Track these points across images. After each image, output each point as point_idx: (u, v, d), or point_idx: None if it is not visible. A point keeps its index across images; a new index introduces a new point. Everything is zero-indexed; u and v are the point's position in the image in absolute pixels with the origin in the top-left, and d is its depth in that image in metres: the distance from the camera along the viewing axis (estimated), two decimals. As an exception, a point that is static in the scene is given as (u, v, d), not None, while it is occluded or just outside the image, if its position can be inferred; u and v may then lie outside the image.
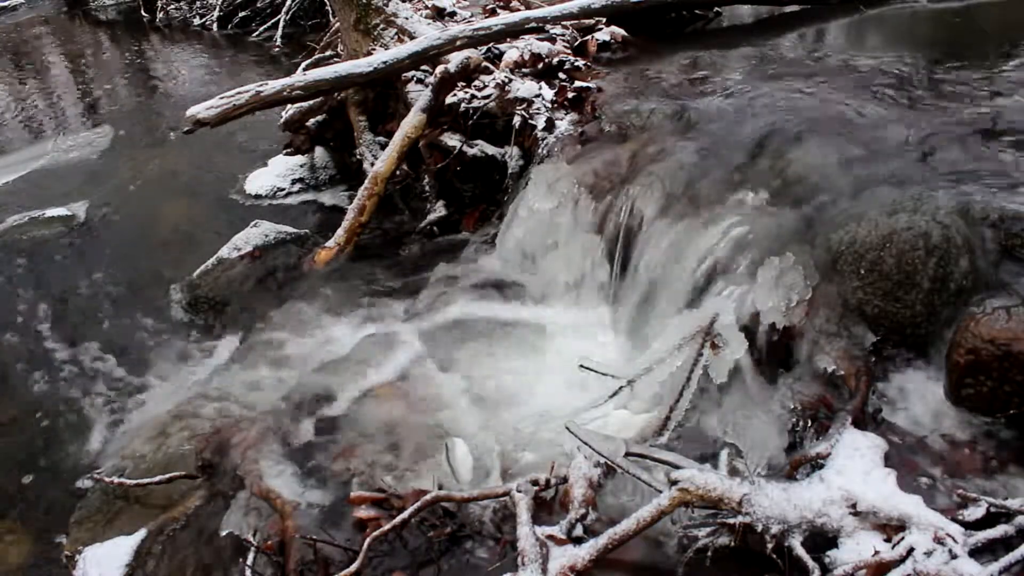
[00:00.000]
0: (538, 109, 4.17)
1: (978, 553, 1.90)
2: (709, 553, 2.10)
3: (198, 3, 10.86)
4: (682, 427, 2.63)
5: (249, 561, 2.43)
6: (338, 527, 2.53)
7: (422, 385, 3.23)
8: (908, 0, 5.11)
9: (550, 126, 4.07)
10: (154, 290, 4.40)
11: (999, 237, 2.50)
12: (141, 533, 2.76)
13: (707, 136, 3.45)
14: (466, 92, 4.44)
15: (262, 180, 5.51)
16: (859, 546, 1.97)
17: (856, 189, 2.83)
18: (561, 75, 4.39)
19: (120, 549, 2.71)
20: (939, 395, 2.42)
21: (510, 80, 4.35)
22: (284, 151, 5.55)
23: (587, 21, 4.86)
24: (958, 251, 2.47)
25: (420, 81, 4.69)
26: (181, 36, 10.44)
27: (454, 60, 4.32)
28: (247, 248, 4.35)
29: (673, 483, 2.13)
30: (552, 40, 4.68)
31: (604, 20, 4.88)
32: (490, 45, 4.70)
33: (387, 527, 2.36)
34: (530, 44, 4.56)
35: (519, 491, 2.32)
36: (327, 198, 5.30)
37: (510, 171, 4.23)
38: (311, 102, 5.03)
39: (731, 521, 2.07)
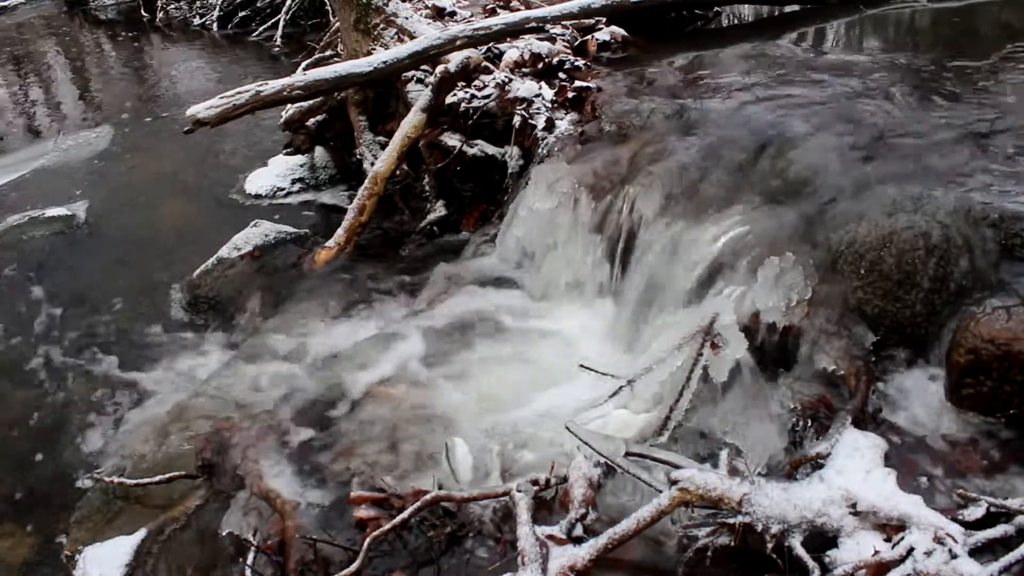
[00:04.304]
0: (538, 109, 4.17)
1: (978, 553, 1.90)
2: (709, 553, 2.10)
3: (198, 3, 10.85)
4: (682, 427, 2.63)
5: (249, 561, 2.42)
6: (338, 527, 2.53)
7: (422, 385, 3.23)
8: (908, 0, 5.11)
9: (550, 126, 4.07)
10: (154, 290, 4.40)
11: (999, 237, 2.50)
12: (141, 533, 2.76)
13: (707, 136, 3.45)
14: (466, 92, 4.44)
15: (262, 180, 5.51)
16: (859, 546, 1.97)
17: (856, 189, 2.83)
18: (561, 75, 4.39)
19: (120, 549, 2.71)
20: (939, 395, 2.42)
21: (510, 80, 4.35)
22: (284, 151, 5.55)
23: (587, 21, 4.86)
24: (958, 251, 2.47)
25: (420, 81, 4.69)
26: (181, 36, 10.44)
27: (454, 60, 4.32)
28: (247, 248, 4.35)
29: (673, 483, 2.13)
30: (552, 40, 4.68)
31: (604, 20, 4.88)
32: (490, 45, 4.69)
33: (387, 527, 2.36)
34: (530, 44, 4.56)
35: (519, 491, 2.32)
36: (327, 198, 5.30)
37: (510, 171, 4.23)
38: (311, 102, 5.03)
39: (731, 521, 2.07)
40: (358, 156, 4.89)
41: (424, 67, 4.66)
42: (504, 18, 4.73)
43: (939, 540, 1.88)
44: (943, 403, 2.41)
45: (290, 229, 4.58)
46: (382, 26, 5.07)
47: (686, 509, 2.17)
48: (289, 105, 5.05)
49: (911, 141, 3.10)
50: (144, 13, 11.52)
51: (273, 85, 4.34)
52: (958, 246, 2.47)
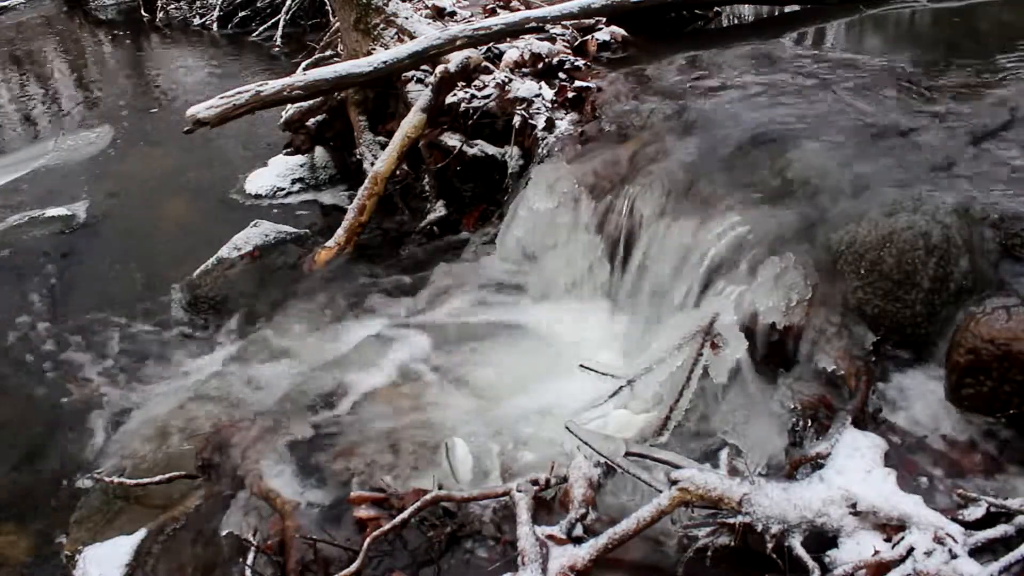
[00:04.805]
0: (538, 109, 4.17)
1: (978, 553, 1.90)
2: (709, 553, 2.10)
3: (198, 3, 10.84)
4: (682, 427, 2.63)
5: (249, 561, 2.42)
6: (338, 527, 2.52)
7: (422, 385, 3.23)
8: (908, 0, 5.12)
9: (550, 126, 4.07)
10: (154, 290, 4.40)
11: (999, 237, 2.50)
12: (141, 533, 2.76)
13: (707, 136, 3.45)
14: (466, 92, 4.44)
15: (262, 180, 5.51)
16: (859, 546, 1.97)
17: (856, 189, 2.83)
18: (561, 75, 4.39)
19: (120, 549, 2.71)
20: (939, 395, 2.42)
21: (510, 80, 4.35)
22: (284, 151, 5.55)
23: (587, 21, 4.86)
24: (958, 251, 2.47)
25: (420, 81, 4.69)
26: (181, 36, 10.43)
27: (454, 60, 4.32)
28: (247, 248, 4.35)
29: (673, 483, 2.13)
30: (552, 40, 4.68)
31: (604, 20, 4.88)
32: (490, 45, 4.69)
33: (387, 527, 2.36)
34: (530, 44, 4.56)
35: (519, 491, 2.32)
36: (327, 198, 5.30)
37: (510, 171, 4.22)
38: (311, 102, 5.03)
39: (731, 521, 2.07)
40: (358, 156, 4.89)
41: (424, 67, 4.66)
42: (504, 18, 4.73)
43: (939, 540, 1.89)
44: (943, 403, 2.41)
45: (290, 229, 4.58)
46: (382, 26, 5.07)
47: (686, 509, 2.17)
48: (289, 105, 5.05)
49: (911, 141, 3.10)
50: (144, 13, 11.50)
51: (273, 85, 4.34)
52: (958, 246, 2.47)
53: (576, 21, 4.83)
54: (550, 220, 3.74)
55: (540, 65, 4.47)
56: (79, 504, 3.03)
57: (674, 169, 3.36)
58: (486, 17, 5.07)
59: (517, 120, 4.17)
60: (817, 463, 2.25)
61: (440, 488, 2.47)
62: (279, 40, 9.00)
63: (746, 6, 5.55)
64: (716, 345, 2.66)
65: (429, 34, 4.63)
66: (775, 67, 4.14)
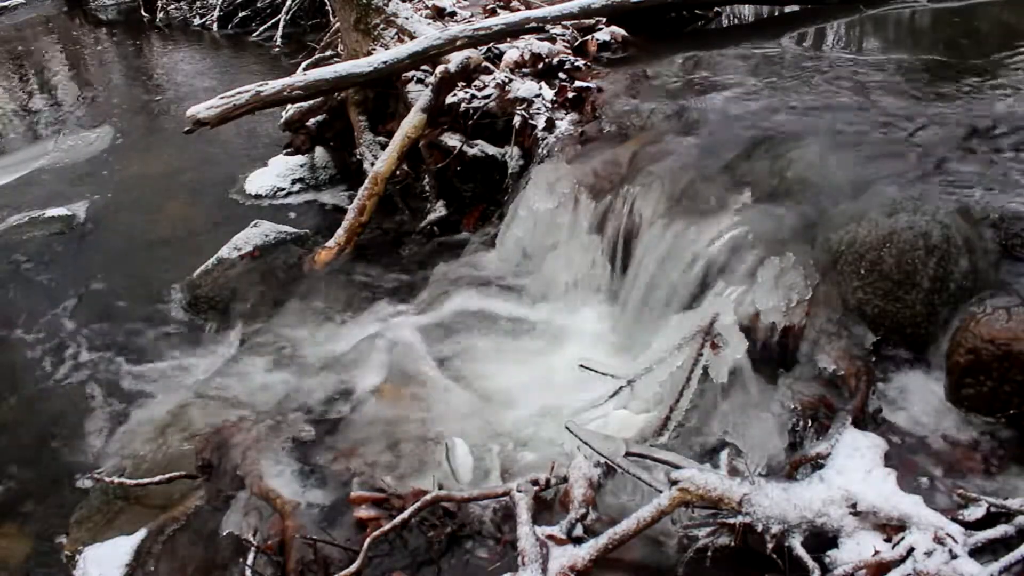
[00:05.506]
0: (538, 109, 4.17)
1: (978, 553, 1.90)
2: (709, 553, 2.10)
3: (198, 3, 10.85)
4: (682, 427, 2.63)
5: (249, 561, 2.43)
6: (338, 527, 2.53)
7: (422, 385, 3.23)
8: (908, 0, 5.12)
9: (550, 126, 4.07)
10: (154, 290, 4.40)
11: (999, 237, 2.50)
12: (141, 533, 2.76)
13: (707, 136, 3.46)
14: (466, 92, 4.44)
15: (262, 180, 5.51)
16: (859, 546, 1.97)
17: (856, 189, 2.83)
18: (561, 75, 4.39)
19: (120, 549, 2.71)
20: (939, 395, 2.43)
21: (510, 80, 4.35)
22: (284, 151, 5.55)
23: (587, 21, 4.86)
24: (958, 251, 2.47)
25: (420, 81, 4.69)
26: (181, 36, 10.44)
27: (454, 60, 4.32)
28: (247, 248, 4.34)
29: (673, 483, 2.13)
30: (552, 40, 4.68)
31: (604, 20, 4.88)
32: (490, 45, 4.69)
33: (387, 527, 2.36)
34: (530, 44, 4.56)
35: (519, 491, 2.32)
36: (327, 198, 5.30)
37: (510, 171, 4.22)
38: (311, 102, 5.03)
39: (731, 521, 2.07)
40: (358, 156, 4.88)
41: (424, 67, 4.66)
42: (504, 18, 4.73)
43: (939, 540, 1.89)
44: (943, 403, 2.41)
45: (290, 229, 4.58)
46: (382, 26, 5.07)
47: (686, 509, 2.17)
48: (289, 105, 5.05)
49: (911, 141, 3.10)
50: (144, 13, 11.50)
51: (273, 85, 4.34)
52: (958, 246, 2.47)
53: (576, 21, 4.83)
54: (550, 220, 3.74)
55: (540, 65, 4.48)
56: (79, 504, 3.03)
57: (674, 169, 3.36)
58: (486, 17, 5.07)
59: (517, 120, 4.17)
60: (817, 463, 2.25)
61: (440, 488, 2.47)
62: (279, 40, 9.00)
63: (746, 6, 5.56)
64: (716, 345, 2.66)
65: (429, 34, 4.63)
66: (775, 67, 4.14)
